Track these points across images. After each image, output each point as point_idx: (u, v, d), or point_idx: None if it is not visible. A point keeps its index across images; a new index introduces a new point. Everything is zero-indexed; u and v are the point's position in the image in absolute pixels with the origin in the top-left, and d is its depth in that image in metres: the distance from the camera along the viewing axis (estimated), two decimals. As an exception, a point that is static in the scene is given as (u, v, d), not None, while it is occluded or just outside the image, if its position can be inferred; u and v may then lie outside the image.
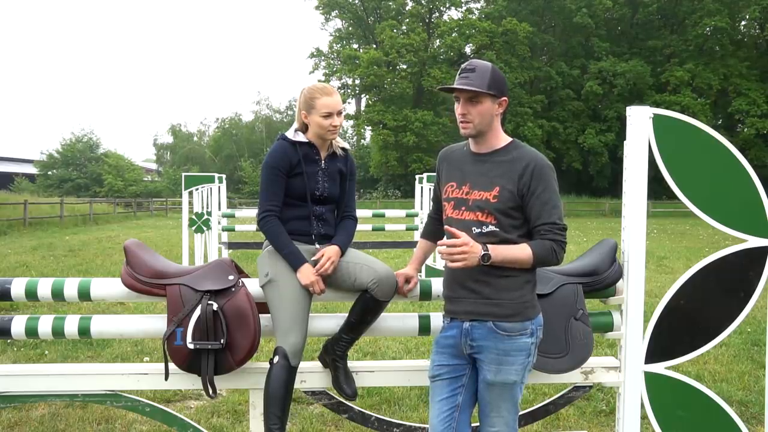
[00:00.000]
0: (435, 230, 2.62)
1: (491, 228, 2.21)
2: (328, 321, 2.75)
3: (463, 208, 2.27)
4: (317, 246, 2.69)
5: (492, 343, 2.21)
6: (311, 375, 2.76)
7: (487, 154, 2.29)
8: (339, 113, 2.64)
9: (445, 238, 2.44)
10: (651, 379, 2.72)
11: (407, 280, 2.63)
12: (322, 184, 2.70)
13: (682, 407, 2.73)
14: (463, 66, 2.27)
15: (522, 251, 2.16)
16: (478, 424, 2.38)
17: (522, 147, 2.30)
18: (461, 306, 2.27)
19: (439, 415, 2.27)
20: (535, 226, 2.21)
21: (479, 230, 2.23)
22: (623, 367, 2.74)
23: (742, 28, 46.63)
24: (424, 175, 10.06)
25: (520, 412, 2.86)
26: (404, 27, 45.56)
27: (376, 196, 44.27)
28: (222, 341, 2.49)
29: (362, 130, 48.73)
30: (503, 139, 2.32)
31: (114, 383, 2.70)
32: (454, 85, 2.23)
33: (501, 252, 2.14)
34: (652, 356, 2.72)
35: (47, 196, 36.56)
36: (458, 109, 2.27)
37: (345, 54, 46.58)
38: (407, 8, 47.04)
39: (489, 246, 2.13)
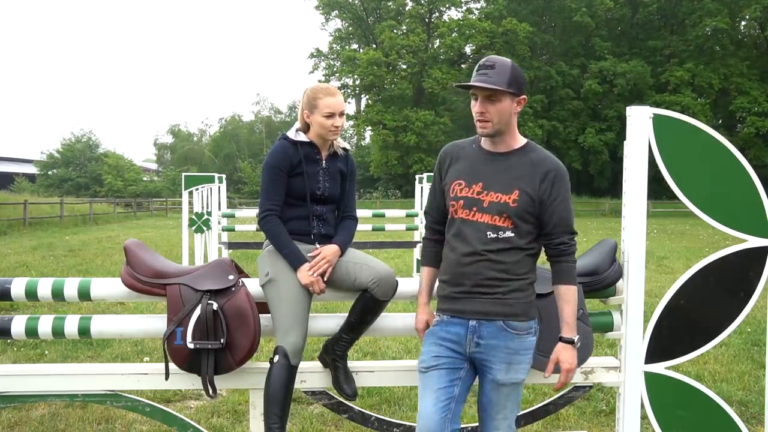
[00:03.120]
0: (437, 253, 2.40)
1: (508, 234, 2.18)
2: (328, 321, 2.75)
3: (475, 209, 2.21)
4: (317, 246, 2.69)
5: (502, 342, 2.19)
6: (311, 375, 2.76)
7: (504, 154, 2.24)
8: (341, 114, 2.64)
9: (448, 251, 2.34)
10: (651, 379, 2.72)
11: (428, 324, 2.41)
12: (322, 184, 2.70)
13: (682, 407, 2.73)
14: (481, 62, 2.17)
15: (573, 297, 2.24)
16: (476, 424, 2.37)
17: (539, 149, 2.28)
18: (469, 305, 2.21)
19: (437, 403, 2.17)
20: (552, 233, 2.22)
21: (495, 235, 2.18)
22: (623, 367, 2.74)
23: (742, 28, 46.66)
24: (424, 175, 10.05)
25: (521, 412, 2.87)
26: (404, 27, 45.56)
27: (376, 196, 44.29)
28: (222, 341, 2.48)
29: (362, 131, 48.74)
30: (520, 140, 2.27)
31: (114, 383, 2.70)
32: (473, 82, 2.14)
33: (572, 321, 2.26)
34: (652, 356, 2.72)
35: (47, 196, 36.55)
36: (476, 107, 2.18)
37: (344, 55, 46.59)
38: (407, 8, 47.03)
39: (564, 331, 2.25)
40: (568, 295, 2.23)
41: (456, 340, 2.24)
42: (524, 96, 2.23)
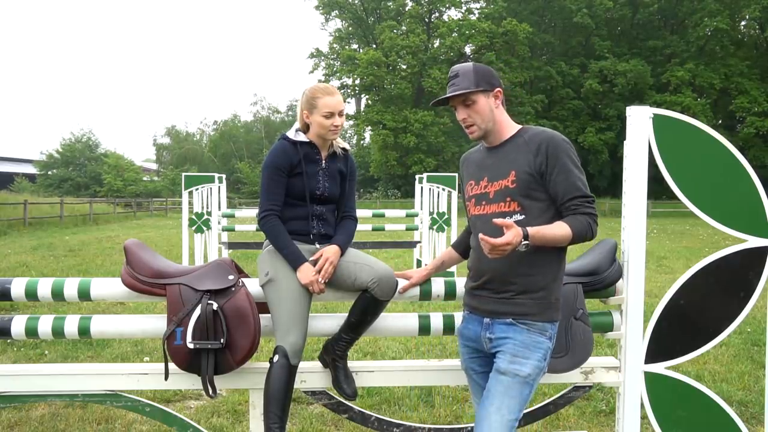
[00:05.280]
0: (463, 241, 2.55)
1: (517, 217, 2.18)
2: (328, 321, 2.75)
3: (484, 203, 2.26)
4: (317, 246, 2.69)
5: (512, 335, 2.19)
6: (311, 375, 2.76)
7: (500, 146, 2.28)
8: (340, 113, 2.64)
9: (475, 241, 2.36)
10: (651, 379, 2.72)
11: (407, 278, 2.70)
12: (322, 184, 2.70)
13: (682, 407, 2.73)
14: (448, 77, 2.27)
15: (560, 229, 2.12)
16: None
17: (531, 129, 2.26)
18: (483, 303, 2.27)
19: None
20: (564, 203, 2.17)
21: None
22: (623, 367, 2.74)
23: (742, 28, 46.69)
24: (424, 175, 10.04)
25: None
26: (404, 27, 45.53)
27: (376, 196, 44.29)
28: (222, 341, 2.49)
29: (362, 131, 48.74)
30: (513, 128, 2.29)
31: (114, 383, 2.70)
32: (447, 96, 2.24)
33: (540, 235, 2.08)
34: (652, 356, 2.72)
35: (47, 196, 36.57)
36: (459, 115, 2.27)
37: (344, 55, 46.58)
38: (407, 8, 47.01)
39: (528, 230, 2.05)
40: (558, 224, 2.13)
41: (475, 339, 2.31)
42: (499, 88, 2.24)
